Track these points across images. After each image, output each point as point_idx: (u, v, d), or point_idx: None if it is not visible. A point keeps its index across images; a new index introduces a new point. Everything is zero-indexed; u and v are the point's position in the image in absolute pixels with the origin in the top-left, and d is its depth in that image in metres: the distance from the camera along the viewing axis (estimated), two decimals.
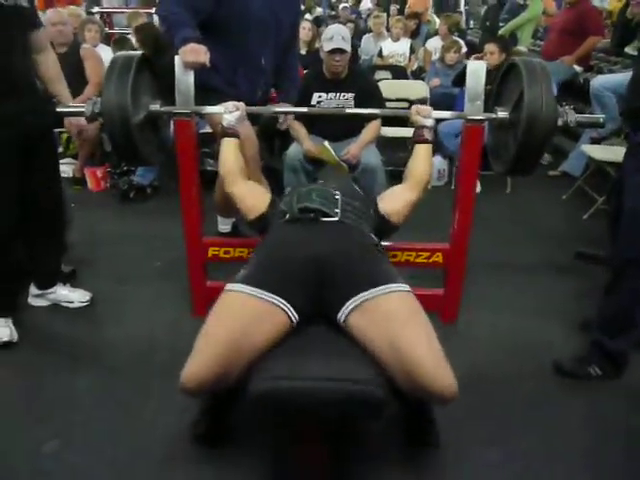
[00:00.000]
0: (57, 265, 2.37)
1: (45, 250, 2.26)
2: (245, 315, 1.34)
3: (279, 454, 1.51)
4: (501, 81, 1.92)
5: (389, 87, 4.17)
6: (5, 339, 2.06)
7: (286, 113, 2.16)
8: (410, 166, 1.85)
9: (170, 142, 2.17)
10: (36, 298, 2.35)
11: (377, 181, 2.96)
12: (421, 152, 1.85)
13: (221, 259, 2.13)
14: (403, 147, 4.12)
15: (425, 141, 1.85)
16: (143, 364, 1.98)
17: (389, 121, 3.45)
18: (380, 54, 5.40)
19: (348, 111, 2.00)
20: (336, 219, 1.58)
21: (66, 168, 3.91)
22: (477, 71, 1.89)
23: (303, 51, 4.84)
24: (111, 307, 2.36)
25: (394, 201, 1.79)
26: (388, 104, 4.18)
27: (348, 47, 2.81)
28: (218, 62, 2.08)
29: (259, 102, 2.34)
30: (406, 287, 1.42)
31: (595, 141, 3.73)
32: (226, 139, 1.89)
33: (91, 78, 3.70)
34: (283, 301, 1.37)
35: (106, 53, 4.21)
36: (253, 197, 1.79)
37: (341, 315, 1.37)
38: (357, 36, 6.05)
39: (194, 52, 1.89)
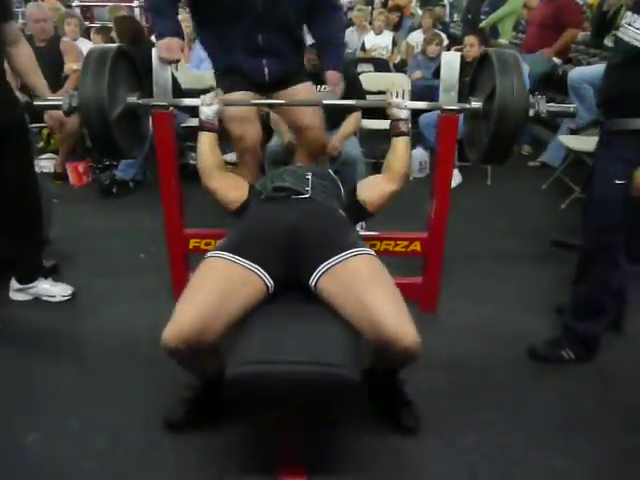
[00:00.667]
0: (37, 260, 2.37)
1: (23, 245, 2.26)
2: (224, 278, 1.43)
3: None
4: (475, 72, 1.95)
5: (371, 80, 4.18)
6: None
7: (263, 105, 2.16)
8: (388, 159, 1.88)
9: (150, 135, 2.18)
10: (17, 292, 2.35)
11: (357, 172, 2.99)
12: (398, 145, 1.87)
13: (202, 250, 2.14)
14: (384, 139, 4.15)
15: (402, 133, 1.87)
16: (125, 356, 1.99)
17: (370, 113, 3.47)
18: (363, 47, 5.42)
19: (325, 102, 2.02)
20: (307, 196, 1.69)
21: (47, 163, 3.91)
22: (451, 62, 1.92)
23: None
24: (93, 301, 2.37)
25: (372, 191, 1.85)
26: (370, 97, 4.19)
27: None
28: (214, 46, 2.12)
29: (271, 83, 2.23)
30: (370, 251, 1.53)
31: (573, 132, 3.79)
32: (203, 133, 1.88)
33: (72, 73, 3.69)
34: (259, 268, 1.45)
35: (86, 46, 4.19)
36: (233, 189, 1.83)
37: (312, 281, 1.46)
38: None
39: (168, 48, 1.93)
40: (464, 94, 2.00)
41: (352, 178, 2.82)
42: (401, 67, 5.34)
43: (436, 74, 4.09)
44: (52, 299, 2.35)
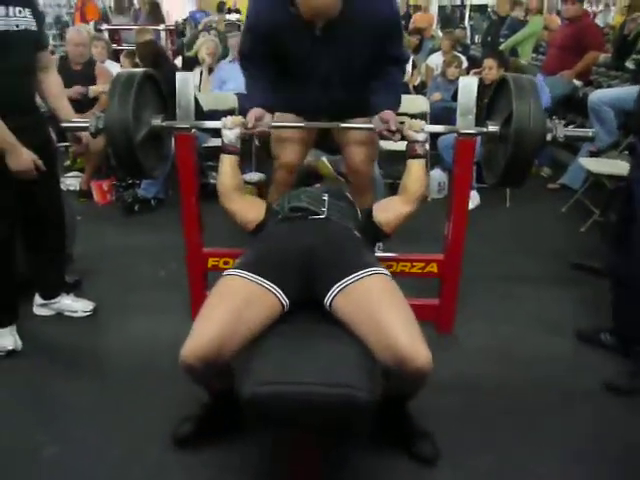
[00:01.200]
0: (60, 276, 2.43)
1: (47, 261, 2.32)
2: (241, 296, 1.46)
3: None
4: (493, 96, 1.97)
5: None
6: (10, 347, 2.12)
7: (282, 127, 2.16)
8: (404, 181, 1.90)
9: (172, 155, 2.23)
10: (40, 307, 2.40)
11: (376, 192, 3.00)
12: (414, 167, 1.89)
13: (221, 269, 2.17)
14: (402, 160, 4.19)
15: (418, 156, 1.89)
16: (144, 372, 2.02)
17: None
18: None
19: (342, 125, 2.04)
20: (323, 217, 1.71)
21: (73, 181, 4.01)
22: (469, 86, 1.95)
23: None
24: (114, 316, 2.41)
25: (388, 212, 1.87)
26: None
27: None
28: (282, 92, 2.09)
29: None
30: (385, 271, 1.54)
31: (593, 154, 3.77)
32: (224, 156, 1.91)
33: (102, 96, 3.81)
34: (275, 286, 1.48)
35: (114, 68, 4.33)
36: (250, 211, 1.86)
37: (327, 300, 1.48)
38: None
39: (254, 116, 1.94)
40: (483, 117, 2.02)
41: None
42: (421, 89, 5.38)
43: (455, 96, 4.11)
44: (74, 314, 2.40)
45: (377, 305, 1.40)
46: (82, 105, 3.55)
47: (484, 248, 2.92)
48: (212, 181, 3.66)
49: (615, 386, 1.94)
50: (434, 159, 3.99)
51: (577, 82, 4.57)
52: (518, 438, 1.74)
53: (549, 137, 1.76)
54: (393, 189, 3.34)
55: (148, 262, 2.91)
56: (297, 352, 1.35)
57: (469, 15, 12.04)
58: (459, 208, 2.06)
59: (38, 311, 2.41)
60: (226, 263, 2.17)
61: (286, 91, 2.08)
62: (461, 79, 1.99)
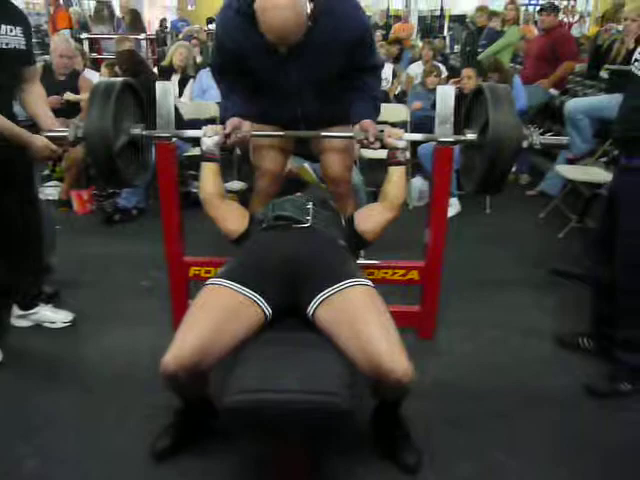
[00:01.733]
0: (37, 286, 2.40)
1: (24, 271, 2.29)
2: (224, 306, 1.47)
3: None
4: (470, 105, 2.00)
5: None
6: None
7: (261, 136, 2.16)
8: (385, 188, 1.92)
9: (152, 164, 2.23)
10: (19, 319, 2.37)
11: (359, 200, 3.02)
12: (395, 174, 1.91)
13: (202, 278, 2.16)
14: (383, 168, 4.23)
15: (398, 163, 1.92)
16: (123, 383, 2.00)
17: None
18: None
19: (323, 134, 2.06)
20: (307, 225, 1.72)
21: (52, 191, 3.96)
22: (446, 95, 1.98)
23: None
24: (94, 327, 2.38)
25: (369, 220, 1.88)
26: None
27: None
28: (257, 105, 2.10)
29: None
30: (367, 282, 1.55)
31: (571, 162, 3.84)
32: (204, 164, 1.92)
33: (85, 107, 3.79)
34: (258, 296, 1.49)
35: (95, 78, 4.31)
36: (233, 219, 1.86)
37: (310, 310, 1.49)
38: None
39: (232, 125, 1.95)
40: (462, 125, 2.05)
41: None
42: (401, 98, 5.44)
43: (435, 105, 4.17)
44: (53, 325, 2.37)
45: (358, 316, 1.41)
46: (68, 113, 3.53)
47: (465, 254, 2.95)
48: (194, 190, 3.66)
49: (595, 389, 1.97)
50: (414, 167, 4.04)
51: (553, 91, 4.66)
52: (500, 444, 1.75)
53: (525, 144, 1.79)
54: (375, 197, 3.36)
55: (129, 272, 2.88)
56: (278, 360, 1.36)
57: (448, 25, 12.20)
58: (439, 215, 2.08)
59: (16, 322, 2.37)
60: (208, 272, 2.17)
61: (261, 104, 2.10)
62: (438, 88, 2.02)
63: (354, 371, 1.37)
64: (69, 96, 3.76)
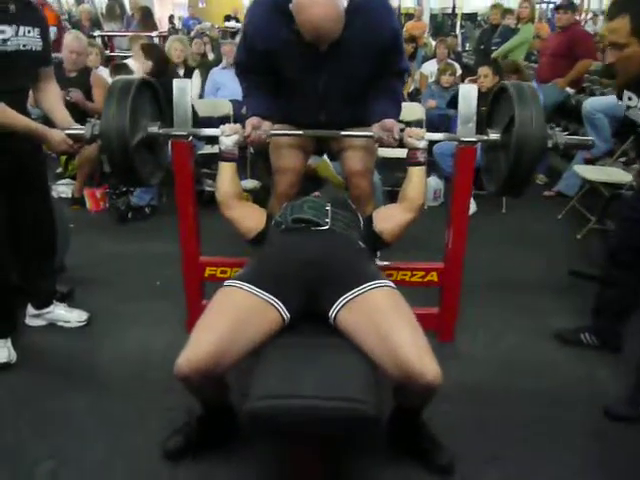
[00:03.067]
0: (52, 285, 2.39)
1: (38, 270, 2.28)
2: (241, 308, 1.44)
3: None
4: (492, 103, 1.96)
5: None
6: (3, 360, 2.07)
7: (280, 135, 2.12)
8: (404, 188, 1.89)
9: (167, 162, 2.20)
10: (33, 318, 2.36)
11: (376, 199, 2.97)
12: (415, 174, 1.88)
13: (218, 279, 2.15)
14: (400, 167, 4.18)
15: (418, 163, 1.88)
16: (138, 383, 1.98)
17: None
18: None
19: (343, 133, 2.02)
20: (326, 228, 1.68)
21: (65, 189, 3.96)
22: (468, 94, 1.94)
23: None
24: (108, 326, 2.37)
25: (388, 221, 1.85)
26: None
27: None
28: (280, 106, 2.06)
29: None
30: (390, 283, 1.52)
31: (588, 162, 3.78)
32: (222, 163, 1.89)
33: (99, 106, 3.76)
34: (276, 299, 1.46)
35: (106, 75, 4.29)
36: (251, 219, 1.84)
37: (331, 313, 1.46)
38: None
39: (252, 124, 1.92)
40: (480, 125, 2.01)
41: None
42: (415, 96, 5.40)
43: (450, 104, 4.13)
44: (67, 325, 2.35)
45: (383, 319, 1.38)
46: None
47: (482, 255, 2.90)
48: (207, 189, 3.64)
49: (612, 412, 1.86)
50: (430, 166, 3.98)
51: (570, 90, 4.59)
52: (521, 450, 1.71)
53: (549, 144, 1.75)
54: (391, 196, 3.34)
55: (143, 271, 2.86)
56: (300, 365, 1.32)
57: (460, 23, 12.13)
58: (459, 216, 2.04)
59: (31, 322, 2.36)
60: (223, 272, 2.14)
61: (283, 106, 2.06)
62: (461, 87, 1.98)
63: (378, 376, 1.34)
64: (77, 96, 3.71)
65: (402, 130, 1.92)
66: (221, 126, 1.92)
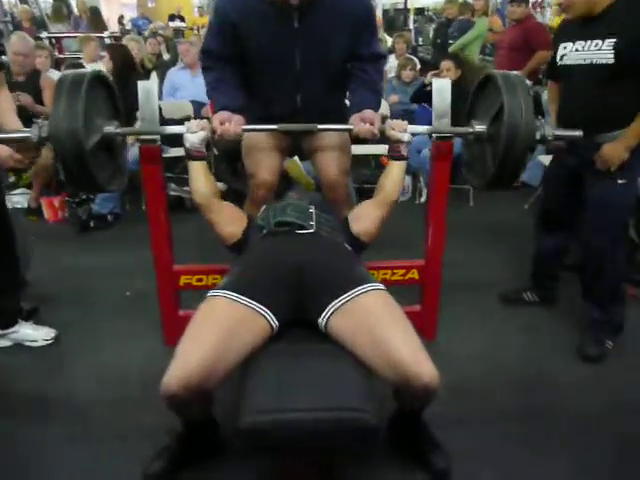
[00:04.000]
0: (15, 302, 2.25)
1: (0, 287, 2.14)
2: (228, 319, 1.37)
3: None
4: (476, 95, 1.93)
5: None
6: None
7: (253, 131, 2.02)
8: (382, 182, 1.85)
9: (129, 166, 2.09)
10: None
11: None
12: (395, 168, 1.85)
13: (194, 287, 2.07)
14: (367, 164, 4.17)
15: (401, 157, 1.85)
16: (116, 404, 1.88)
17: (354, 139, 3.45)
18: None
19: (320, 127, 1.90)
20: (311, 231, 1.64)
21: (20, 199, 3.78)
22: (442, 89, 1.91)
23: None
24: (78, 343, 2.25)
25: (364, 220, 1.81)
26: None
27: None
28: (251, 101, 1.98)
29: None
30: (380, 286, 1.49)
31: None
32: (192, 163, 1.80)
33: (49, 109, 3.59)
34: (263, 307, 1.40)
35: (55, 77, 4.11)
36: (230, 223, 1.76)
37: (322, 320, 1.42)
38: None
39: (221, 119, 1.84)
40: (456, 118, 1.98)
41: None
42: None
43: (413, 99, 4.14)
44: (34, 344, 2.23)
45: (376, 323, 1.35)
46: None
47: (455, 249, 2.90)
48: (172, 193, 3.54)
49: (586, 354, 2.12)
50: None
51: (527, 82, 4.67)
52: (508, 447, 1.71)
53: (538, 136, 1.72)
54: (360, 193, 3.31)
55: (109, 282, 2.74)
56: (293, 375, 1.27)
57: (413, 18, 12.22)
58: (438, 211, 2.03)
59: None
60: (199, 280, 2.07)
61: (256, 95, 1.99)
62: (434, 82, 1.95)
63: (372, 382, 1.30)
64: (25, 99, 3.52)
65: (383, 122, 1.88)
66: (186, 122, 1.81)
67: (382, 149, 4.13)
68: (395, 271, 2.10)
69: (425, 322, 2.18)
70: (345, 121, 1.95)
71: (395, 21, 12.75)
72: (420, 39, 10.57)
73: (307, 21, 1.78)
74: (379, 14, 11.16)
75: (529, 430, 1.77)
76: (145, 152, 1.90)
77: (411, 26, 11.29)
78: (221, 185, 3.71)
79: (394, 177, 1.84)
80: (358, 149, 3.68)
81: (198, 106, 4.22)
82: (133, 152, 2.78)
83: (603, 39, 1.87)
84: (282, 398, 1.20)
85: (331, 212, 1.82)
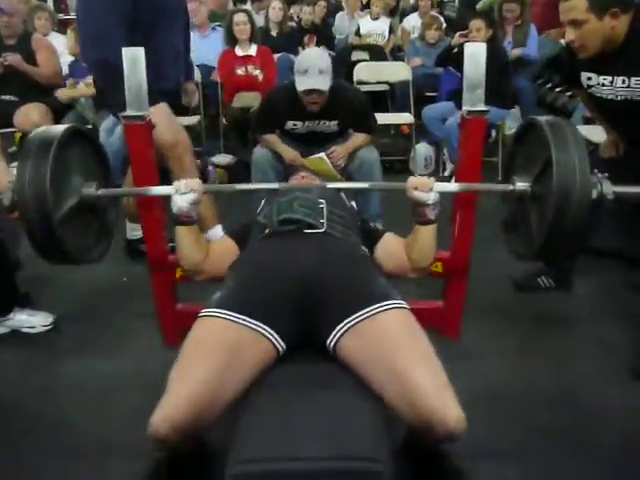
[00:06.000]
0: (10, 287, 2.11)
1: None
2: (227, 343, 1.16)
3: None
4: (516, 144, 1.62)
5: (368, 69, 3.94)
6: None
7: (259, 190, 1.93)
8: (410, 246, 1.54)
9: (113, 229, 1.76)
10: None
11: (373, 177, 2.67)
12: (423, 234, 1.50)
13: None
14: (386, 133, 3.90)
15: (429, 222, 1.50)
16: (108, 406, 1.74)
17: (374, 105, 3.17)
18: (357, 32, 5.09)
19: (330, 186, 1.64)
20: (322, 230, 1.41)
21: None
22: (476, 55, 1.62)
23: (274, 32, 4.54)
24: (77, 329, 2.15)
25: (392, 260, 1.55)
26: (367, 87, 3.93)
27: (327, 83, 2.39)
28: (149, 58, 1.72)
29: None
30: (402, 303, 1.25)
31: (588, 121, 3.53)
32: (180, 228, 1.51)
33: (44, 71, 3.38)
34: (267, 328, 1.20)
35: (59, 41, 3.89)
36: (224, 264, 1.50)
37: (331, 340, 1.20)
38: (331, 14, 5.72)
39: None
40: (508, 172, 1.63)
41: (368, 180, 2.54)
42: (396, 54, 5.05)
43: (439, 62, 3.81)
44: (32, 330, 2.12)
45: (395, 349, 1.13)
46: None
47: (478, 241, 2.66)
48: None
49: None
50: (419, 131, 3.71)
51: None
52: (550, 455, 1.55)
53: (594, 195, 1.35)
54: (385, 169, 3.04)
55: (105, 263, 2.56)
56: (295, 412, 1.07)
57: None
58: (466, 199, 1.77)
59: None
60: None
61: None
62: (467, 46, 1.66)
63: (388, 419, 1.10)
64: (14, 59, 3.27)
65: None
66: (175, 182, 1.52)
67: (402, 118, 3.87)
68: None
69: (449, 320, 1.96)
70: None
71: None
72: None
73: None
74: None
75: (564, 448, 1.59)
76: (131, 131, 1.66)
77: None
78: (229, 158, 3.50)
79: (423, 244, 1.51)
80: (377, 118, 3.42)
81: (207, 71, 3.97)
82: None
83: (629, 76, 1.90)
84: (281, 443, 1.00)
85: (344, 207, 1.57)
